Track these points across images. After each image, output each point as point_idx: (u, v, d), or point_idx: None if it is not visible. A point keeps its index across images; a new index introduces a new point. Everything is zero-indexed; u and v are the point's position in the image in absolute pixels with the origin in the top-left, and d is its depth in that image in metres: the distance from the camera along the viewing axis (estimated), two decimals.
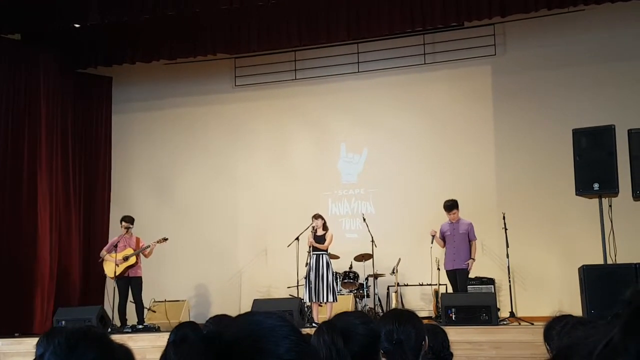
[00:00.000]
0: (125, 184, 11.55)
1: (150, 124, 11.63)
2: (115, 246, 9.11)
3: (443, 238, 8.73)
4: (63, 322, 8.10)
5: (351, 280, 9.47)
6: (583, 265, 6.51)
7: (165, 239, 9.27)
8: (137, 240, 9.35)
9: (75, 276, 10.70)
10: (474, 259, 8.51)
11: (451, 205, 8.63)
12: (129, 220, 9.39)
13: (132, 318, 9.07)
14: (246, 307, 8.98)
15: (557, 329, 2.40)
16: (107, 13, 9.43)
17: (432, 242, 8.69)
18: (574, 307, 6.83)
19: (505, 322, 8.09)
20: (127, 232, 9.28)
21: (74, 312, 8.61)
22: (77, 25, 9.87)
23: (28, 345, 7.16)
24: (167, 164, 11.47)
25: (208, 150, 11.35)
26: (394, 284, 9.46)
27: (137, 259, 9.19)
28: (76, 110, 11.22)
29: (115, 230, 10.20)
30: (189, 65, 11.18)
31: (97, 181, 11.37)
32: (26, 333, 9.17)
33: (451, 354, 3.12)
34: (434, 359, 2.97)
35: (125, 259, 9.08)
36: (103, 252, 9.29)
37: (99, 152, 11.45)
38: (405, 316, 2.42)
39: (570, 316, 2.56)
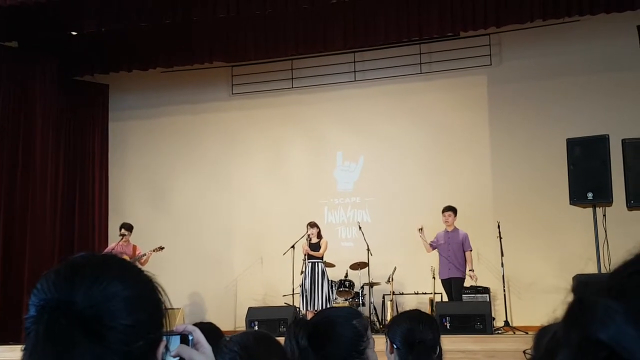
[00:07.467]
0: (121, 191, 11.54)
1: (147, 131, 11.63)
2: None
3: (437, 247, 8.83)
4: None
5: (346, 289, 9.47)
6: (577, 275, 6.52)
7: (161, 248, 9.26)
8: (134, 248, 9.33)
9: None
10: (472, 270, 8.57)
11: (447, 207, 8.78)
12: (126, 227, 9.39)
13: None
14: (241, 315, 8.96)
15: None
16: (103, 21, 9.45)
17: (420, 236, 8.74)
18: None
19: (499, 331, 8.11)
20: (123, 239, 9.27)
21: None
22: (74, 33, 9.90)
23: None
24: (163, 171, 11.47)
25: (204, 158, 11.35)
26: (389, 293, 9.46)
27: None
28: (73, 118, 11.21)
29: (114, 237, 10.18)
30: (186, 73, 11.20)
31: (94, 189, 11.32)
32: (19, 341, 9.13)
33: None
34: None
35: None
36: None
37: (95, 160, 11.41)
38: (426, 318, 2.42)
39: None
